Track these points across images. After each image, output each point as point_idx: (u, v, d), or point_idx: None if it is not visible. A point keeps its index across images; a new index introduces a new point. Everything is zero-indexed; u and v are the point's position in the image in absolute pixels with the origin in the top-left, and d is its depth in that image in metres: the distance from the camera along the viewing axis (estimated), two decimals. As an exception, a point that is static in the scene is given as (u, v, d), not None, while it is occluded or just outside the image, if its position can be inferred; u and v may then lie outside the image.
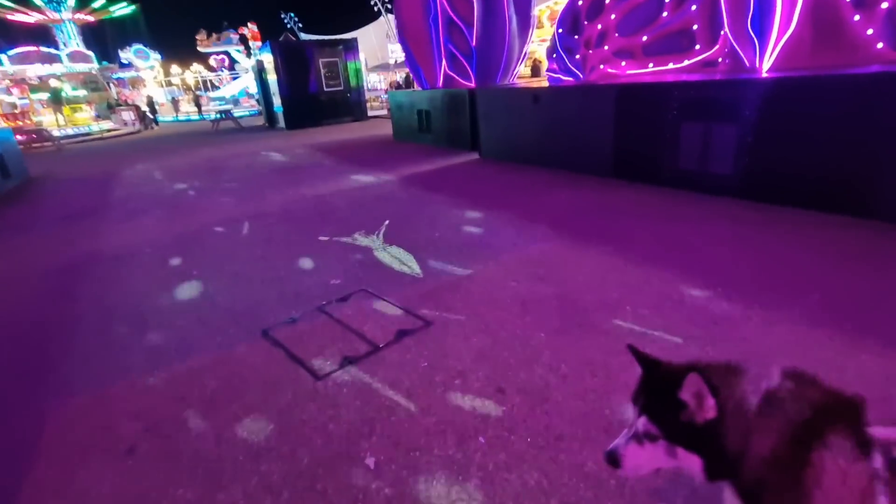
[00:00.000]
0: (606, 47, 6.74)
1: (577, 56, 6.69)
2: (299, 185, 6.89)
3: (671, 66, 6.58)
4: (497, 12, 8.37)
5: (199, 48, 39.53)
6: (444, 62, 9.13)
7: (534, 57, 18.41)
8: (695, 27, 6.15)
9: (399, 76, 28.97)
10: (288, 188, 6.80)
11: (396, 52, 34.87)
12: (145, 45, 36.12)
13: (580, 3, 6.86)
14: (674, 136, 4.84)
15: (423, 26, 9.17)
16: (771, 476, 0.81)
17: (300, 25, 42.02)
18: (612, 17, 6.76)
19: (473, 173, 6.76)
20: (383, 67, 29.60)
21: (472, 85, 8.96)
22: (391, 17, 41.33)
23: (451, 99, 8.76)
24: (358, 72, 18.09)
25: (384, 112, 20.07)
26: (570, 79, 6.94)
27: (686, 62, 6.42)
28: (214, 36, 39.28)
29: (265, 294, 3.35)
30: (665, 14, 6.36)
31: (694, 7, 6.00)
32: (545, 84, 7.53)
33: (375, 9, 41.99)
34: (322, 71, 17.15)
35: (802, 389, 0.85)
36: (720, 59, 6.01)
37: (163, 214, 5.95)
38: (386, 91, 25.15)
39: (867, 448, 0.75)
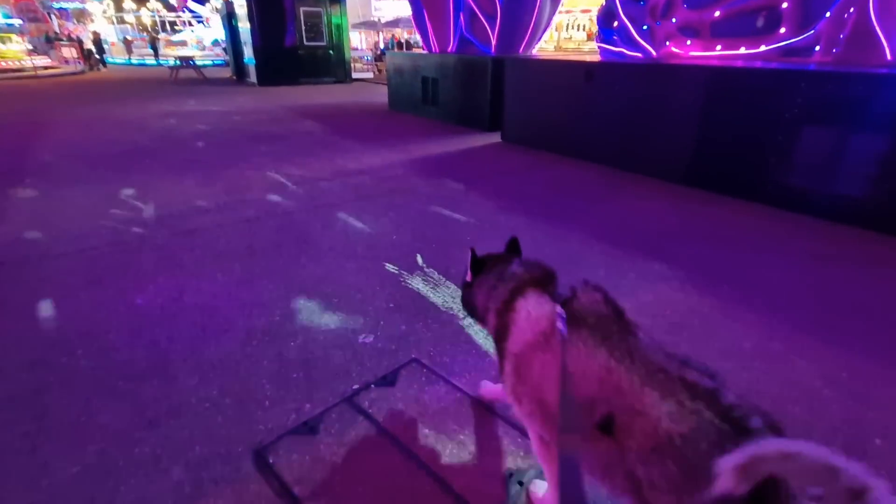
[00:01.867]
0: (674, 20, 5.58)
1: (645, 27, 5.48)
2: (283, 161, 5.46)
3: (743, 50, 5.51)
4: (530, -33, 7.00)
5: None
6: (461, 22, 7.70)
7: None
8: (784, 5, 5.05)
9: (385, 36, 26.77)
10: (269, 164, 5.35)
11: (381, 10, 32.36)
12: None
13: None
14: (787, 142, 3.78)
15: (439, -24, 7.67)
16: (496, 318, 1.22)
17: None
18: (680, -15, 5.58)
19: (503, 162, 5.53)
20: (368, 25, 27.27)
21: (492, 52, 7.61)
22: (376, -29, 38.32)
23: (467, 67, 7.39)
24: (343, 27, 16.16)
25: (370, 75, 18.29)
26: (638, 54, 5.70)
27: (763, 48, 5.35)
28: None
29: (252, 360, 2.08)
30: (744, -12, 5.23)
31: (788, -19, 4.90)
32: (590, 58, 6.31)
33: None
34: (303, 22, 15.14)
35: (529, 269, 1.26)
36: (817, 48, 4.97)
37: (94, 191, 4.44)
38: (376, 51, 23.10)
39: (553, 298, 1.14)
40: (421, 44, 8.56)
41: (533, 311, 1.11)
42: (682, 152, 4.54)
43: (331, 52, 15.99)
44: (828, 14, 4.70)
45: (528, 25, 7.49)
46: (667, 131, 4.65)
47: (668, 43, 5.52)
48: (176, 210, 3.88)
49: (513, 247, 1.42)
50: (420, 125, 7.87)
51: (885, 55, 3.96)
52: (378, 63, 18.47)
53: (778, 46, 5.20)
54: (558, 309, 1.05)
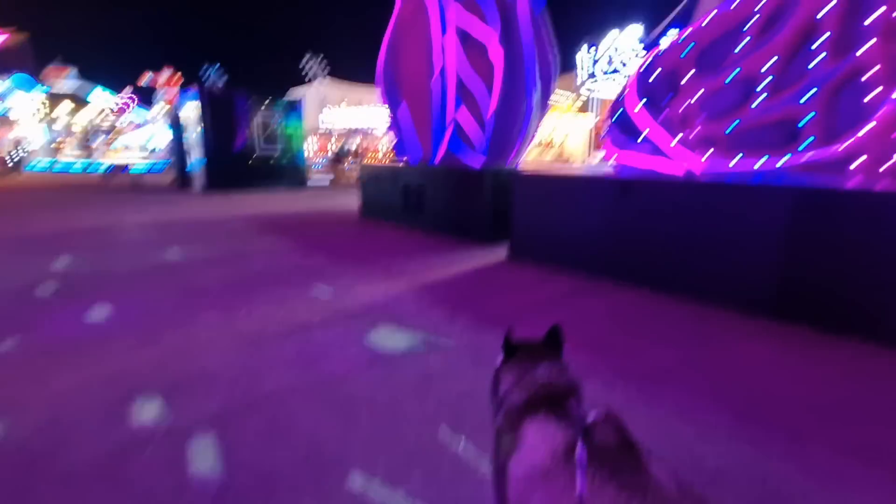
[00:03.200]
0: (694, 130, 5.22)
1: (678, 138, 5.05)
2: (253, 298, 4.15)
3: (764, 161, 5.18)
4: (520, 78, 6.75)
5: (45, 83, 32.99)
6: (447, 131, 7.18)
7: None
8: (807, 118, 4.80)
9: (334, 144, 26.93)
10: (234, 305, 4.02)
11: (330, 120, 33.19)
12: (29, 76, 30.68)
13: (675, 63, 5.40)
14: (915, 271, 3.10)
15: (425, 85, 7.26)
16: (504, 423, 1.19)
17: (225, 79, 38.97)
18: (693, 99, 5.33)
19: (532, 290, 4.55)
20: (322, 134, 27.55)
21: (481, 163, 7.06)
22: (328, 80, 40.29)
23: (460, 179, 6.71)
24: (300, 134, 15.77)
25: (326, 182, 17.67)
26: (675, 168, 5.20)
27: (786, 159, 5.03)
28: (58, 69, 32.84)
29: None
30: (760, 100, 5.01)
31: (810, 94, 4.69)
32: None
33: (307, 78, 40.83)
34: (258, 128, 14.57)
35: (551, 381, 1.21)
36: (856, 163, 4.65)
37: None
38: (327, 155, 22.87)
39: (566, 420, 1.08)
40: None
41: (540, 439, 1.08)
42: (765, 278, 3.79)
43: (285, 158, 15.36)
44: (872, 125, 4.43)
45: (519, 135, 7.10)
46: (739, 254, 3.93)
47: (692, 153, 5.11)
48: (78, 425, 2.42)
49: (553, 337, 1.39)
50: (407, 238, 6.91)
51: None
52: (336, 166, 18.05)
53: (803, 161, 4.87)
54: (579, 449, 0.98)
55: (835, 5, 4.48)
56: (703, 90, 5.22)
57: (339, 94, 37.37)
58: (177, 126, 16.09)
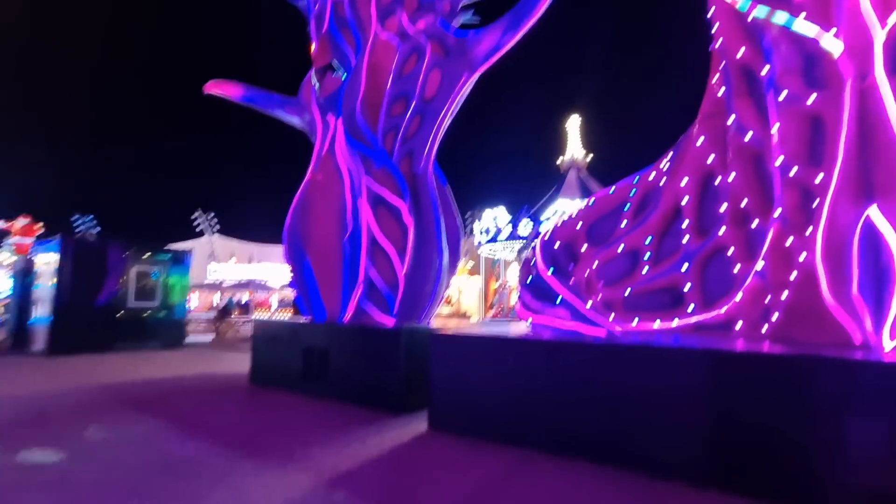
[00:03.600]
0: (597, 297, 5.60)
1: (591, 303, 5.30)
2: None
3: (658, 323, 5.63)
4: (430, 241, 7.00)
5: None
6: (358, 291, 6.92)
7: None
8: (687, 286, 5.44)
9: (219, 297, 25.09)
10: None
11: (218, 273, 31.47)
12: None
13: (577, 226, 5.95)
14: (835, 435, 3.24)
15: (335, 244, 7.16)
16: None
17: (98, 231, 35.99)
18: (592, 267, 5.86)
19: (463, 474, 3.94)
20: (209, 287, 25.65)
21: (391, 321, 6.78)
22: (217, 236, 39.18)
23: (371, 338, 6.27)
24: (183, 287, 14.39)
25: (208, 339, 15.77)
26: (597, 330, 5.35)
27: (677, 321, 5.52)
28: None
29: None
30: (645, 270, 5.65)
31: (685, 267, 5.39)
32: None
33: (198, 229, 39.63)
34: (133, 281, 13.02)
35: None
36: (738, 325, 5.17)
37: None
38: (212, 309, 20.92)
39: None
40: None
41: None
42: (694, 444, 3.71)
43: (162, 313, 13.62)
44: (740, 295, 5.07)
45: (430, 295, 7.08)
46: (664, 420, 3.88)
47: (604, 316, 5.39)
48: None
49: None
50: (308, 410, 5.96)
51: (852, 339, 4.02)
52: (219, 323, 16.36)
53: (690, 322, 5.35)
54: None
55: (689, 200, 5.48)
56: (597, 261, 5.79)
57: (230, 250, 36.32)
58: (23, 277, 13.80)
